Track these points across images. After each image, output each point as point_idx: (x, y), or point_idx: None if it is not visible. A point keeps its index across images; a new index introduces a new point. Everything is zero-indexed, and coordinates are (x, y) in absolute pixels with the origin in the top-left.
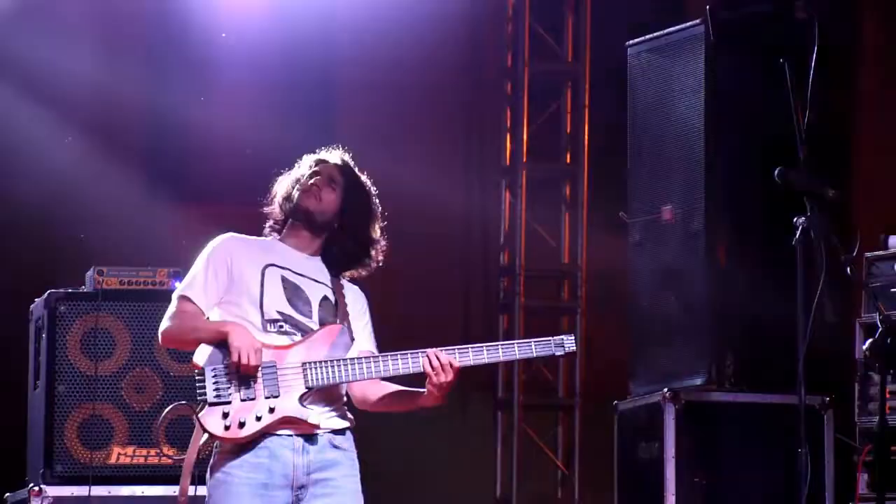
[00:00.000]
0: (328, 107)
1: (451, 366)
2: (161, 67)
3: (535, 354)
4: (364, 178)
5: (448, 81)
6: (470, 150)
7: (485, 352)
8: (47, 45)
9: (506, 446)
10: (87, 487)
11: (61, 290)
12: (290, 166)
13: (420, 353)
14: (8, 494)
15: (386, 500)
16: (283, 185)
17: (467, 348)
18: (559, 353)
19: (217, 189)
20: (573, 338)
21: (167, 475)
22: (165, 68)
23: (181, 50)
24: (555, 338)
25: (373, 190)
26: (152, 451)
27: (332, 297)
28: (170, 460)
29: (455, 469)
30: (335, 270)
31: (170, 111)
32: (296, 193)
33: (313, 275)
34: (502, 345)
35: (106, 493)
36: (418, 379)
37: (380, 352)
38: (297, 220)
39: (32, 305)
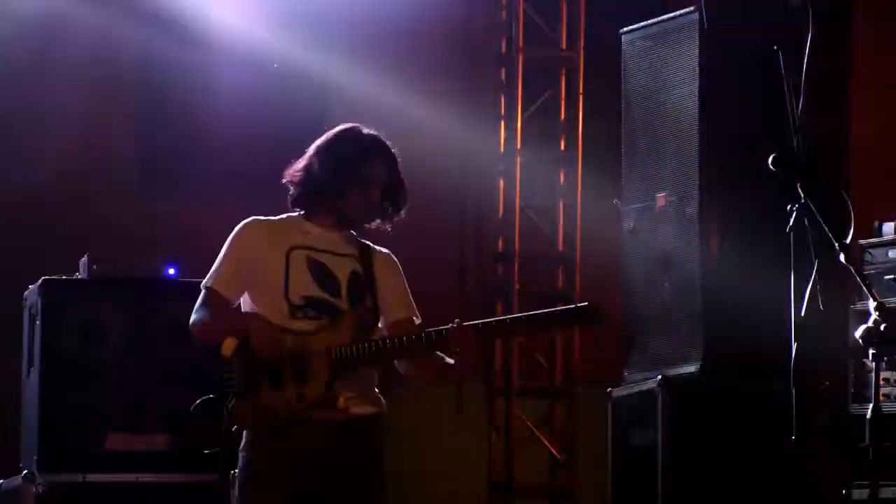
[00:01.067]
0: (323, 94)
1: (472, 339)
2: (158, 57)
3: (557, 323)
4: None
5: (442, 68)
6: (464, 138)
7: (507, 321)
8: (42, 39)
9: (500, 433)
10: (81, 474)
11: (55, 277)
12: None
13: (442, 330)
14: (2, 481)
15: None
16: (331, 168)
17: (490, 320)
18: (585, 320)
19: (213, 178)
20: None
21: (161, 461)
22: (162, 57)
23: (178, 41)
24: (578, 305)
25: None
26: (146, 438)
27: (361, 271)
28: (164, 447)
29: (450, 455)
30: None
31: (168, 98)
32: (359, 209)
33: (341, 249)
34: (525, 315)
35: (100, 480)
36: None
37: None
38: (341, 224)
39: (26, 292)
